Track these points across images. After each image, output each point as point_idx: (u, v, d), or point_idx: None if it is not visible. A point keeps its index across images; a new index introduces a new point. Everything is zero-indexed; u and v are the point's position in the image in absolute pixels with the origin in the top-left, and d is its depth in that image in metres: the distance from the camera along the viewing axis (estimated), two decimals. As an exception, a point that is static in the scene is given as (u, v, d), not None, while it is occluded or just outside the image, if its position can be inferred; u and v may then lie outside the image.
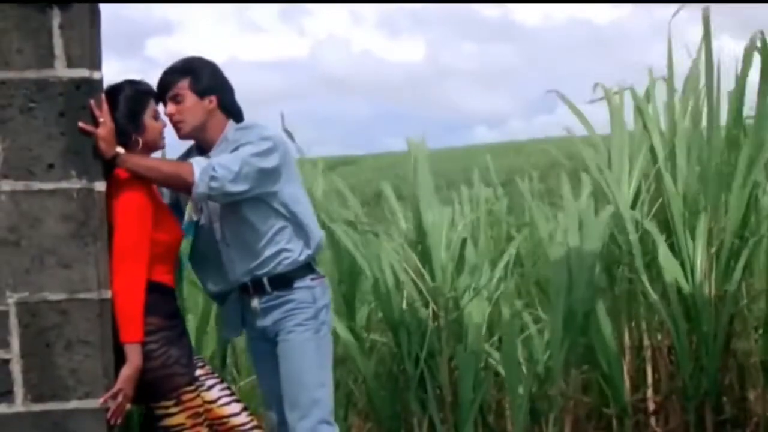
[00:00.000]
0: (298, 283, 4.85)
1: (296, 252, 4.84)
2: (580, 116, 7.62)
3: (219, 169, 4.63)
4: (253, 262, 4.83)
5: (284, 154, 4.82)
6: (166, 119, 4.78)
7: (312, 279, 4.88)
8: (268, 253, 4.82)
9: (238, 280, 4.87)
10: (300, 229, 4.85)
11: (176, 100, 4.78)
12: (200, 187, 4.63)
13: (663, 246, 6.96)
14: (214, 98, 4.81)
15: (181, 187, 4.68)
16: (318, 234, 4.93)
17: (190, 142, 4.95)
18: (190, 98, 4.79)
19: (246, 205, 4.78)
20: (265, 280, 4.84)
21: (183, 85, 4.78)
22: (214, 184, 4.63)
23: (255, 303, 4.86)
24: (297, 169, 4.99)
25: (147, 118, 4.66)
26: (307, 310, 4.83)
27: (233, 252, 4.85)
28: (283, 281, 4.84)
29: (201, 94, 4.79)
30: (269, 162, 4.74)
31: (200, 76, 4.80)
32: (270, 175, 4.75)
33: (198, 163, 4.66)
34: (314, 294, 4.86)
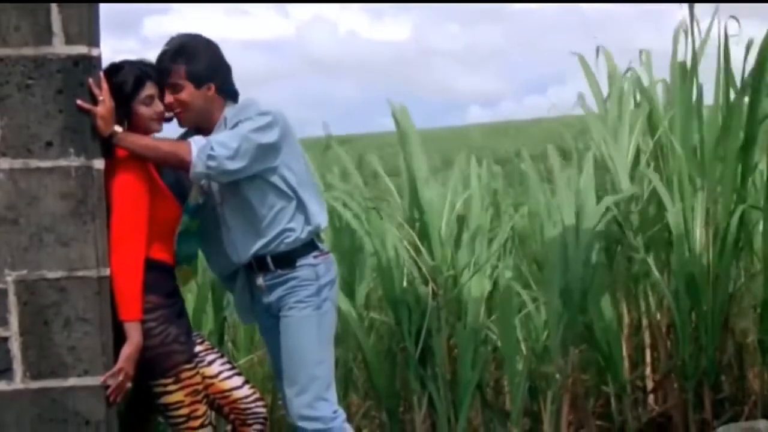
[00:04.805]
0: (300, 261, 4.84)
1: (298, 230, 4.83)
2: (596, 89, 7.61)
3: (217, 147, 4.61)
4: (255, 243, 4.81)
5: (284, 128, 4.79)
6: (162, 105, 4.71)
7: (315, 256, 4.87)
8: (270, 234, 4.80)
9: (240, 261, 4.87)
10: (301, 205, 4.83)
11: (174, 89, 4.72)
12: (198, 167, 4.61)
13: (672, 207, 6.94)
14: (212, 86, 4.76)
15: (179, 166, 4.65)
16: (318, 210, 4.90)
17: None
18: (188, 89, 4.73)
19: (246, 186, 4.76)
20: (268, 258, 4.83)
21: (180, 74, 4.71)
22: (212, 163, 4.61)
23: (260, 280, 4.86)
24: (298, 144, 4.95)
25: (137, 105, 4.60)
26: (310, 287, 4.83)
27: (235, 234, 4.84)
28: (286, 260, 4.83)
29: (198, 83, 4.73)
30: (269, 137, 4.72)
31: (196, 63, 4.73)
32: (270, 150, 4.73)
33: (196, 142, 4.63)
34: (317, 271, 4.85)
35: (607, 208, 6.97)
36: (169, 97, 4.72)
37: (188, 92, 4.74)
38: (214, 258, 4.98)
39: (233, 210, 4.82)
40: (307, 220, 4.84)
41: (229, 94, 4.84)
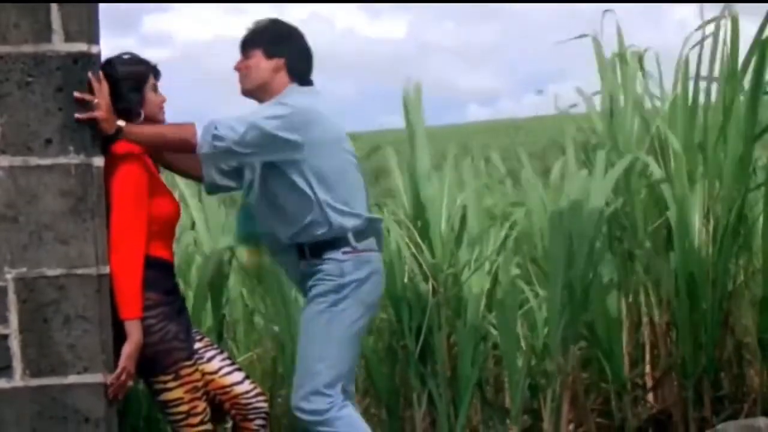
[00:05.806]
0: (327, 254, 4.79)
1: (321, 229, 4.78)
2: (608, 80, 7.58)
3: (222, 128, 4.61)
4: (290, 230, 4.82)
5: (306, 126, 4.72)
6: (164, 95, 4.75)
7: (344, 252, 4.79)
8: (299, 225, 4.79)
9: (284, 242, 4.88)
10: (320, 206, 4.76)
11: (246, 56, 4.84)
12: (204, 147, 4.61)
13: (672, 203, 6.93)
14: (282, 60, 4.83)
15: (186, 149, 4.65)
16: (348, 213, 4.82)
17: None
18: (257, 56, 4.82)
19: (272, 179, 4.76)
20: (305, 246, 4.83)
21: (255, 45, 4.84)
22: (218, 143, 4.60)
23: (302, 265, 4.88)
24: (335, 144, 4.85)
25: (147, 91, 4.65)
26: (330, 282, 4.78)
27: (272, 220, 4.86)
28: (316, 250, 4.81)
29: (269, 55, 4.83)
30: (279, 128, 4.65)
31: (273, 40, 4.85)
32: (282, 143, 4.67)
33: (199, 123, 4.65)
34: (343, 268, 4.78)
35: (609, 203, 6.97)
36: (240, 62, 4.85)
37: (256, 60, 4.83)
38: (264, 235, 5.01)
39: (266, 199, 4.84)
40: (329, 222, 4.79)
41: (298, 76, 4.88)
